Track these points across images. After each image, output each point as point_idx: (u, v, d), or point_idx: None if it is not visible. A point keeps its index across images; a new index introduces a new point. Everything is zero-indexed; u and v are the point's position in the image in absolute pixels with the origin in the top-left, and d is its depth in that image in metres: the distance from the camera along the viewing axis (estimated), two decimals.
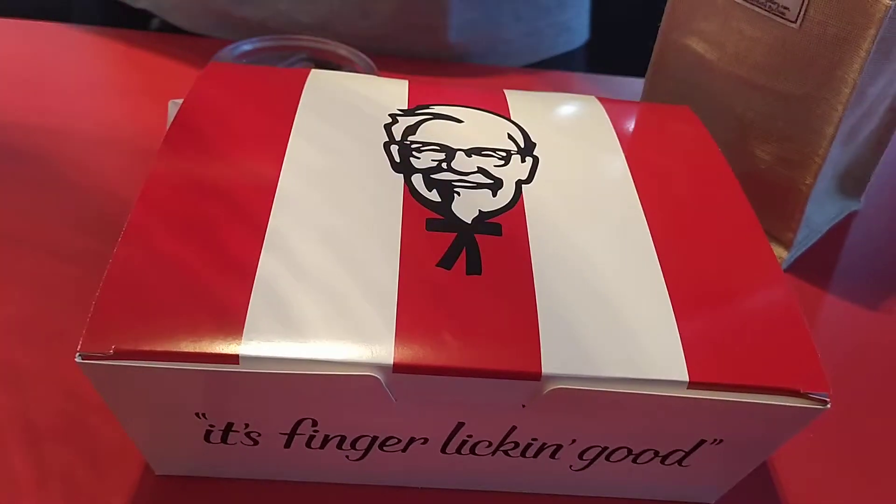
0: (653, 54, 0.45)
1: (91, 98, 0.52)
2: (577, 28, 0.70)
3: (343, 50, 0.52)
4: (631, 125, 0.37)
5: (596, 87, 0.61)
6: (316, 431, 0.27)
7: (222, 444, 0.28)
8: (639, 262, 0.29)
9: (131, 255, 0.26)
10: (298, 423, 0.27)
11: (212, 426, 0.27)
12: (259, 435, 0.27)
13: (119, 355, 0.24)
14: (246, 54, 0.51)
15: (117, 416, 0.27)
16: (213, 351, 0.24)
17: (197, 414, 0.26)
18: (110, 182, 0.43)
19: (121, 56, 0.57)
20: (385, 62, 0.56)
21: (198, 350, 0.24)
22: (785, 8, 0.37)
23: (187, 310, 0.25)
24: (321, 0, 0.59)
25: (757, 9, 0.39)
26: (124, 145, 0.46)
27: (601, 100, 0.39)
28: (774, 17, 0.38)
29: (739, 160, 0.42)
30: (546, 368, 0.25)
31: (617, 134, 0.36)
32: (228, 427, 0.27)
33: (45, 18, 0.61)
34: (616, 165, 0.33)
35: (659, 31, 0.44)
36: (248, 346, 0.24)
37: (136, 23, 0.64)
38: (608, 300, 0.27)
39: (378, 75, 0.50)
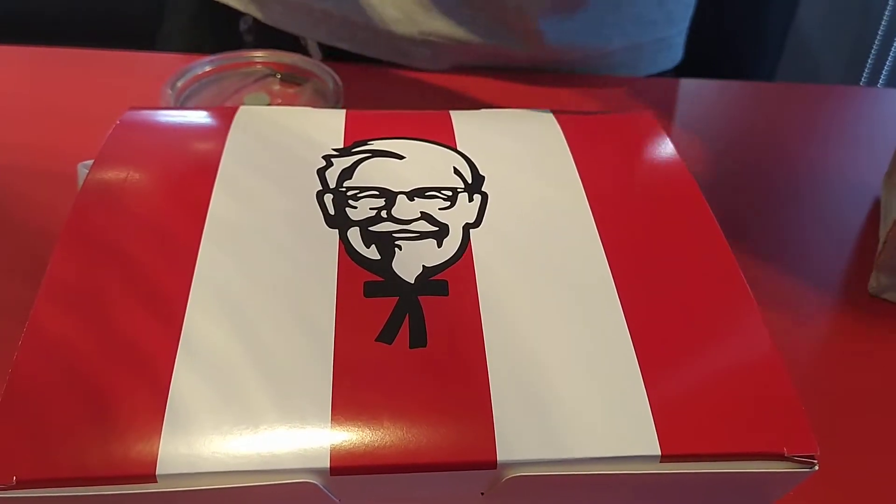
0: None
1: (25, 123, 0.49)
2: (675, 46, 0.67)
3: (307, 64, 0.49)
4: (588, 144, 0.34)
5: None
6: None
7: None
8: (602, 320, 0.26)
9: (32, 365, 0.24)
10: None
11: None
12: None
13: (23, 484, 0.21)
14: (206, 74, 0.49)
15: None
16: (126, 471, 0.21)
17: None
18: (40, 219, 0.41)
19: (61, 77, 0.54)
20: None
21: (110, 471, 0.21)
22: None
23: (96, 424, 0.22)
24: None
25: None
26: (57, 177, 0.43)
27: (557, 115, 0.36)
28: None
29: None
30: (501, 455, 0.22)
31: (574, 157, 0.33)
32: None
33: (139, 12, 0.61)
34: (573, 198, 0.30)
35: None
36: (166, 462, 0.22)
37: (230, 17, 0.63)
38: (569, 369, 0.24)
39: (340, 90, 0.48)
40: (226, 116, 0.34)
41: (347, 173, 0.31)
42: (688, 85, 0.61)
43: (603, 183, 0.31)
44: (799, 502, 0.32)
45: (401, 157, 0.32)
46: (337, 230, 0.28)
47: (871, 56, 1.25)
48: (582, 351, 0.25)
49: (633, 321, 0.26)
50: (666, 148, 0.34)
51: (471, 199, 0.30)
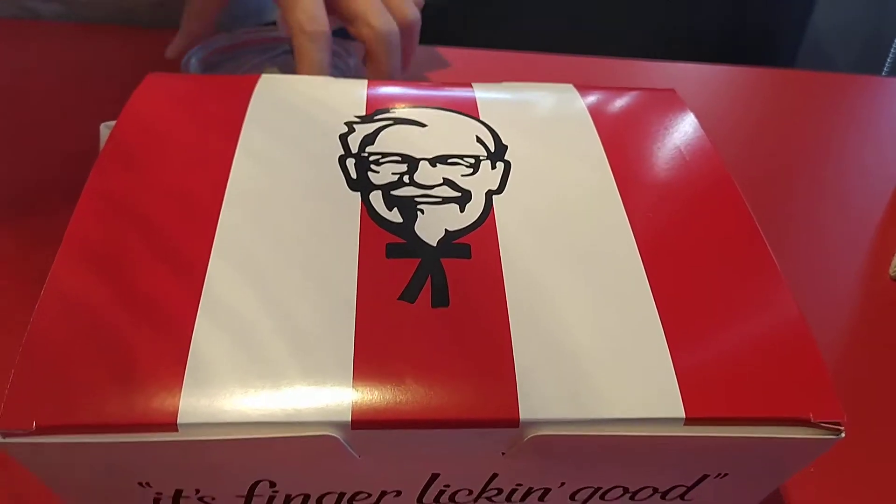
0: None
1: (50, 88, 0.49)
2: None
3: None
4: (611, 117, 0.34)
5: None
6: (276, 492, 0.25)
7: None
8: (626, 284, 0.26)
9: (53, 314, 0.23)
10: (255, 484, 0.24)
11: (159, 494, 0.24)
12: (213, 499, 0.25)
13: (42, 431, 0.21)
14: (223, 49, 0.49)
15: (54, 491, 0.24)
16: (147, 419, 0.21)
17: (140, 483, 0.24)
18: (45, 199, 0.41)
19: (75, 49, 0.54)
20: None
21: (130, 419, 0.21)
22: None
23: (117, 374, 0.22)
24: None
25: None
26: (55, 157, 0.43)
27: (579, 88, 0.36)
28: None
29: None
30: (524, 414, 0.22)
31: (597, 129, 0.32)
32: (178, 494, 0.24)
33: None
34: (597, 167, 0.30)
35: None
36: (187, 411, 0.21)
37: None
38: (592, 330, 0.24)
39: (359, 63, 0.47)
40: (248, 83, 0.34)
41: (369, 139, 0.31)
42: (706, 71, 0.60)
43: (627, 155, 0.31)
44: (823, 473, 0.32)
45: (423, 125, 0.32)
46: (359, 193, 0.28)
47: (894, 47, 1.23)
48: (606, 315, 0.25)
49: (658, 286, 0.26)
50: (691, 124, 0.33)
51: (493, 167, 0.30)
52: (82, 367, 0.22)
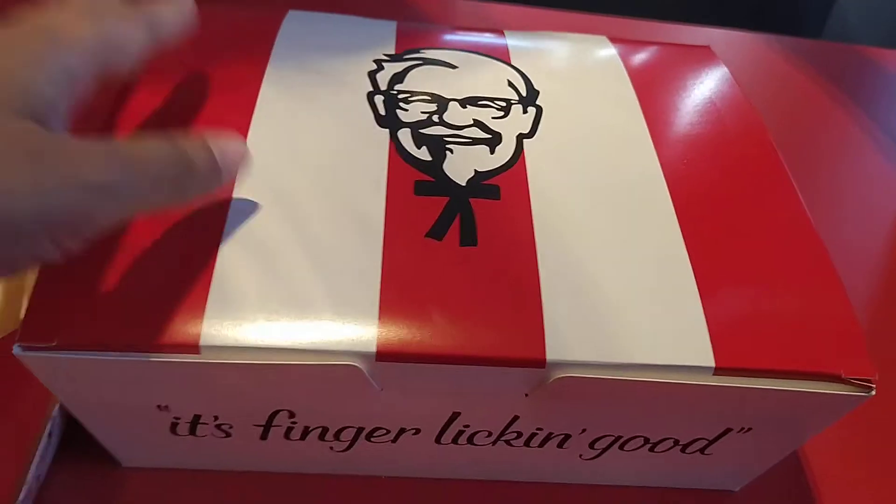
0: None
1: None
2: None
3: None
4: (646, 69, 0.33)
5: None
6: (294, 423, 0.24)
7: (191, 436, 0.25)
8: (658, 232, 0.25)
9: None
10: (274, 414, 0.24)
11: (177, 418, 0.24)
12: (231, 427, 0.24)
13: (63, 347, 0.21)
14: None
15: (70, 409, 0.24)
16: (169, 339, 0.21)
17: (159, 406, 0.23)
18: None
19: None
20: None
21: (152, 339, 0.21)
22: None
23: (140, 294, 0.22)
24: None
25: None
26: None
27: (613, 40, 0.35)
28: None
29: None
30: (551, 354, 0.22)
31: (630, 79, 0.32)
32: (196, 419, 0.24)
33: None
34: (630, 117, 0.30)
35: None
36: (210, 334, 0.21)
37: None
38: (622, 275, 0.24)
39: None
40: (275, 17, 0.33)
41: (398, 77, 0.30)
42: (734, 37, 0.59)
43: (660, 104, 0.30)
44: (852, 431, 0.31)
45: (453, 67, 0.31)
46: (387, 130, 0.27)
47: None
48: (636, 261, 0.24)
49: (689, 235, 0.25)
50: (726, 78, 0.33)
51: (525, 111, 0.29)
52: (107, 286, 0.22)
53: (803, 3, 0.73)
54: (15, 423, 0.28)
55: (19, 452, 0.26)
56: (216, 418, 0.24)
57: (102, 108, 0.27)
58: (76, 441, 0.27)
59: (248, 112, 0.27)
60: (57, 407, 0.27)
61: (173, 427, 0.24)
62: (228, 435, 0.25)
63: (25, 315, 0.21)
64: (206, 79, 0.29)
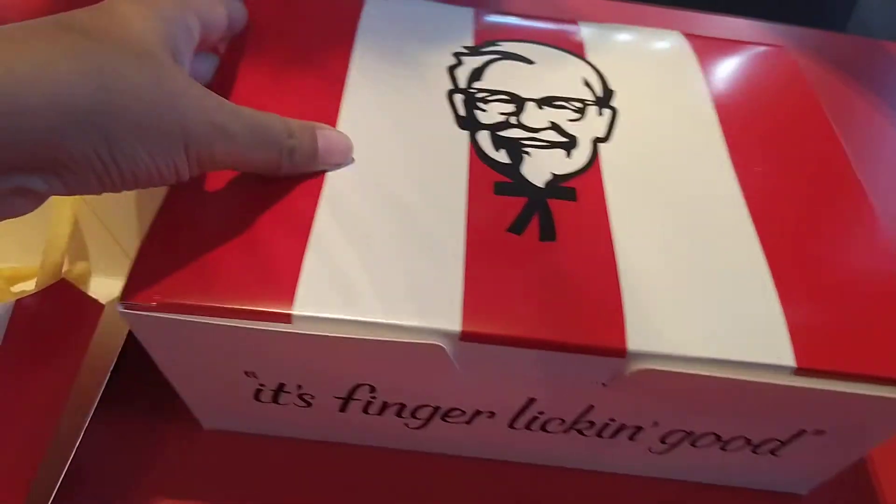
0: None
1: None
2: None
3: None
4: (721, 69, 0.33)
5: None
6: (374, 398, 0.25)
7: (273, 403, 0.26)
8: (733, 235, 0.25)
9: (180, 200, 0.24)
10: (355, 387, 0.25)
11: (262, 385, 0.25)
12: (312, 397, 0.25)
13: (161, 307, 0.22)
14: None
15: (161, 369, 0.25)
16: (263, 308, 0.22)
17: (246, 372, 0.24)
18: None
19: None
20: None
21: (246, 307, 0.22)
22: None
23: (237, 263, 0.23)
24: None
25: None
26: None
27: (688, 36, 0.35)
28: None
29: None
30: (632, 345, 0.22)
31: (705, 79, 0.32)
32: (280, 387, 0.25)
33: None
34: (705, 119, 0.30)
35: None
36: (302, 306, 0.22)
37: None
38: (699, 274, 0.24)
39: None
40: (355, 2, 0.33)
41: (477, 74, 0.30)
42: (759, 28, 0.58)
43: (736, 109, 0.30)
44: None
45: (530, 62, 0.31)
46: (468, 132, 0.28)
47: None
48: (713, 262, 0.24)
49: (766, 238, 0.25)
50: (801, 83, 0.32)
51: (600, 113, 0.29)
52: (206, 252, 0.23)
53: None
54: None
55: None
56: (300, 387, 0.25)
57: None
58: (161, 402, 0.28)
59: (337, 97, 0.28)
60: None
61: (257, 394, 0.25)
62: (309, 405, 0.26)
63: (129, 275, 0.22)
64: (293, 61, 0.30)
